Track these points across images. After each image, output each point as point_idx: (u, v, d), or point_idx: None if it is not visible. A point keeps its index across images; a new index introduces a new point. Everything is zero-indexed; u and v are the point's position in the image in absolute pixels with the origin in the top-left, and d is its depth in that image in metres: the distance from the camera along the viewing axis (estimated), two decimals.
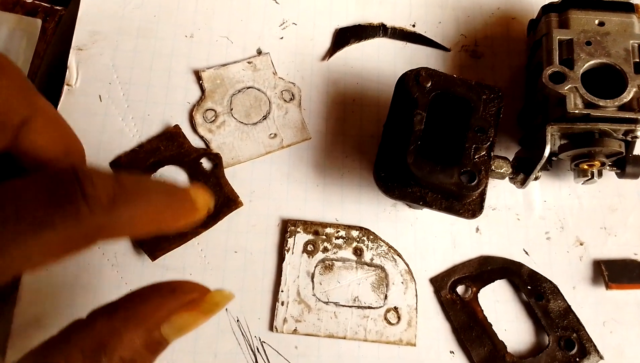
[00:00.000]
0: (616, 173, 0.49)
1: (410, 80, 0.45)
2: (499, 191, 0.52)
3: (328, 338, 0.47)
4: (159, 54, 0.53)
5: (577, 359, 0.47)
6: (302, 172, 0.51)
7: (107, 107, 0.51)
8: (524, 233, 0.51)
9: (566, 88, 0.44)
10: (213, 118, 0.52)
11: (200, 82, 0.52)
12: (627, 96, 0.44)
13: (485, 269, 0.49)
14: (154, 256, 0.47)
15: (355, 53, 0.56)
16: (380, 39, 0.56)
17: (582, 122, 0.45)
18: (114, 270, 0.47)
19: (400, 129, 0.45)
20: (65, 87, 0.51)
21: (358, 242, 0.50)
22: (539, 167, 0.46)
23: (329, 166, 0.52)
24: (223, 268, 0.48)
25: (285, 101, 0.53)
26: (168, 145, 0.51)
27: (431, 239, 0.51)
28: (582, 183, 0.49)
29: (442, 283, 0.49)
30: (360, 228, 0.50)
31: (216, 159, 0.50)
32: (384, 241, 0.50)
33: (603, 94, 0.44)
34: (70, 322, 0.27)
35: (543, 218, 0.52)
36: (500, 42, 0.57)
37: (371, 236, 0.50)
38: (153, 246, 0.47)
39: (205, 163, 0.50)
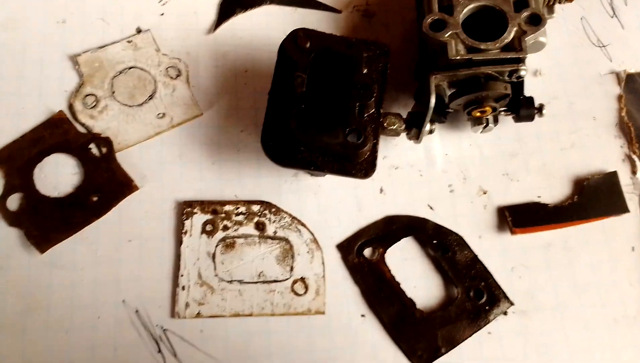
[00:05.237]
0: (513, 118, 0.49)
1: (288, 42, 0.43)
2: (400, 149, 0.51)
3: (234, 318, 0.45)
4: (29, 44, 0.50)
5: (487, 307, 0.46)
6: (195, 151, 0.49)
7: None
8: (427, 188, 0.50)
9: (447, 35, 0.43)
10: (94, 103, 0.49)
11: (77, 67, 0.49)
12: (508, 36, 0.43)
13: (391, 229, 0.49)
14: (42, 249, 0.45)
15: (243, 23, 0.54)
16: (267, 6, 0.54)
17: (466, 67, 0.44)
18: None
19: (284, 94, 0.44)
20: None
21: (260, 216, 0.48)
22: (427, 119, 0.45)
23: (224, 142, 0.50)
24: (117, 259, 0.46)
25: (171, 78, 0.51)
26: (53, 133, 0.48)
27: (335, 205, 0.49)
28: (480, 132, 0.49)
29: (348, 248, 0.48)
30: (261, 202, 0.48)
31: (106, 143, 0.48)
32: (286, 213, 0.48)
33: (488, 38, 0.44)
34: None
35: (445, 172, 0.51)
36: None
37: (273, 209, 0.48)
38: (41, 238, 0.45)
39: (95, 149, 0.48)
